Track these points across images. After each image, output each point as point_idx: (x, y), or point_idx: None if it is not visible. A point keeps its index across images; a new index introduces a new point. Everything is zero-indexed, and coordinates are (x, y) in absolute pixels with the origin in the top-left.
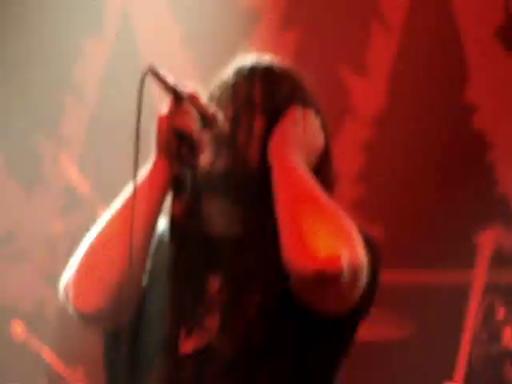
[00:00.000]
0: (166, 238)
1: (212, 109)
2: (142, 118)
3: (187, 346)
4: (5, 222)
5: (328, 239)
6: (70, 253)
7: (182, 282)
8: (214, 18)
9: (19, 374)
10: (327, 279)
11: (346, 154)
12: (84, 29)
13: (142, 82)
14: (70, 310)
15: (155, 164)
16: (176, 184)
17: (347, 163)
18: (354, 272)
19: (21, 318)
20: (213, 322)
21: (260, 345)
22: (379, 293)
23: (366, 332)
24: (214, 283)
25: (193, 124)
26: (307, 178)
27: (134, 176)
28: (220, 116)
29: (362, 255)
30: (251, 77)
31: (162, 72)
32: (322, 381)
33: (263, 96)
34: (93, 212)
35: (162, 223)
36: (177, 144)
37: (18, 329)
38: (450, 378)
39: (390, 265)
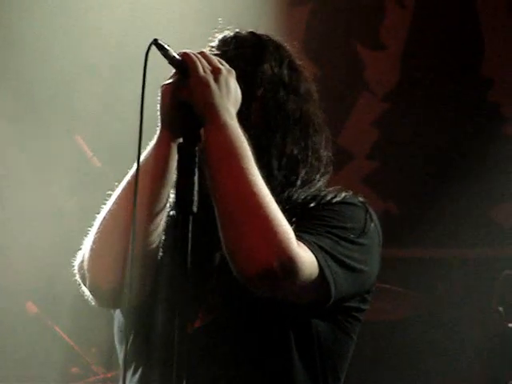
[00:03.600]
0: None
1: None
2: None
3: (197, 321)
4: (16, 200)
5: (258, 244)
6: (82, 231)
7: (192, 257)
8: None
9: (39, 350)
10: (263, 285)
11: (359, 130)
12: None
13: (147, 54)
14: (86, 287)
15: (159, 136)
16: (180, 157)
17: (361, 139)
18: (290, 270)
19: (34, 298)
20: (218, 299)
21: (259, 321)
22: (390, 269)
23: (377, 310)
24: (218, 259)
25: (200, 95)
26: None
27: (138, 151)
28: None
29: (291, 252)
30: None
31: (167, 45)
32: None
33: None
34: (106, 189)
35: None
36: (180, 115)
37: (32, 309)
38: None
39: (404, 242)
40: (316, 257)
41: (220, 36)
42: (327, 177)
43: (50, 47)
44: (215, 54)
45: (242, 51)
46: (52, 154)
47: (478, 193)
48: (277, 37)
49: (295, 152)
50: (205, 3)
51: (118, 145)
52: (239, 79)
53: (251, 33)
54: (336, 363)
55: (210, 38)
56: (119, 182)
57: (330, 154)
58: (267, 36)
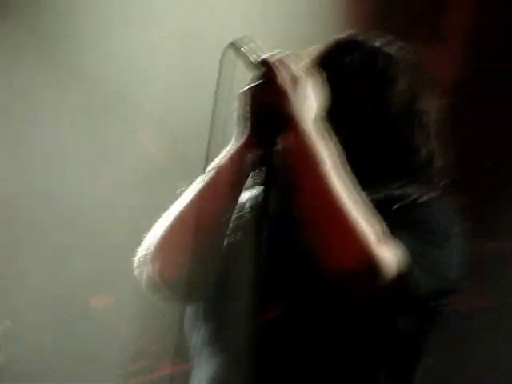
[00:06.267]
0: (249, 212)
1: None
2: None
3: (270, 313)
4: (79, 193)
5: (340, 248)
6: (148, 226)
7: (269, 252)
8: None
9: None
10: (347, 285)
11: None
12: None
13: (223, 57)
14: (152, 281)
15: (238, 142)
16: (258, 161)
17: None
18: (372, 271)
19: (101, 292)
20: (295, 293)
21: (338, 317)
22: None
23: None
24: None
25: (279, 103)
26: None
27: (207, 159)
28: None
29: (374, 254)
30: None
31: (246, 47)
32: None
33: None
34: (170, 185)
35: (245, 195)
36: (257, 121)
37: (98, 303)
38: None
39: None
40: (400, 257)
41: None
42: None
43: (118, 46)
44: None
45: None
46: (115, 151)
47: None
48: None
49: (386, 156)
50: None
51: (181, 143)
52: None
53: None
54: (411, 361)
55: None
56: (183, 182)
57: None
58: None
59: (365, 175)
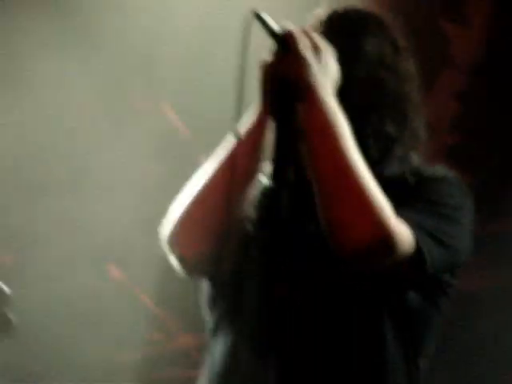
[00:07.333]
0: (264, 189)
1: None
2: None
3: (286, 289)
4: (97, 164)
5: (355, 221)
6: (166, 198)
7: (286, 226)
8: None
9: (119, 316)
10: (360, 260)
11: (441, 103)
12: None
13: (246, 26)
14: (175, 256)
15: (258, 116)
16: (277, 131)
17: (442, 111)
18: (387, 247)
19: (117, 262)
20: (311, 268)
21: (351, 292)
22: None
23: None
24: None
25: (301, 72)
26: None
27: (236, 127)
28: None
29: (389, 229)
30: None
31: (267, 17)
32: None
33: None
34: (191, 157)
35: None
36: (277, 90)
37: (114, 272)
38: None
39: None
40: (413, 233)
41: (322, 13)
42: (421, 155)
43: (142, 15)
44: (316, 31)
45: (344, 29)
46: (138, 121)
47: None
48: (381, 14)
49: (392, 132)
50: None
51: (206, 115)
52: (340, 58)
53: (355, 10)
54: (425, 338)
55: (313, 14)
56: (206, 153)
57: (426, 135)
58: (371, 13)
59: (371, 152)
